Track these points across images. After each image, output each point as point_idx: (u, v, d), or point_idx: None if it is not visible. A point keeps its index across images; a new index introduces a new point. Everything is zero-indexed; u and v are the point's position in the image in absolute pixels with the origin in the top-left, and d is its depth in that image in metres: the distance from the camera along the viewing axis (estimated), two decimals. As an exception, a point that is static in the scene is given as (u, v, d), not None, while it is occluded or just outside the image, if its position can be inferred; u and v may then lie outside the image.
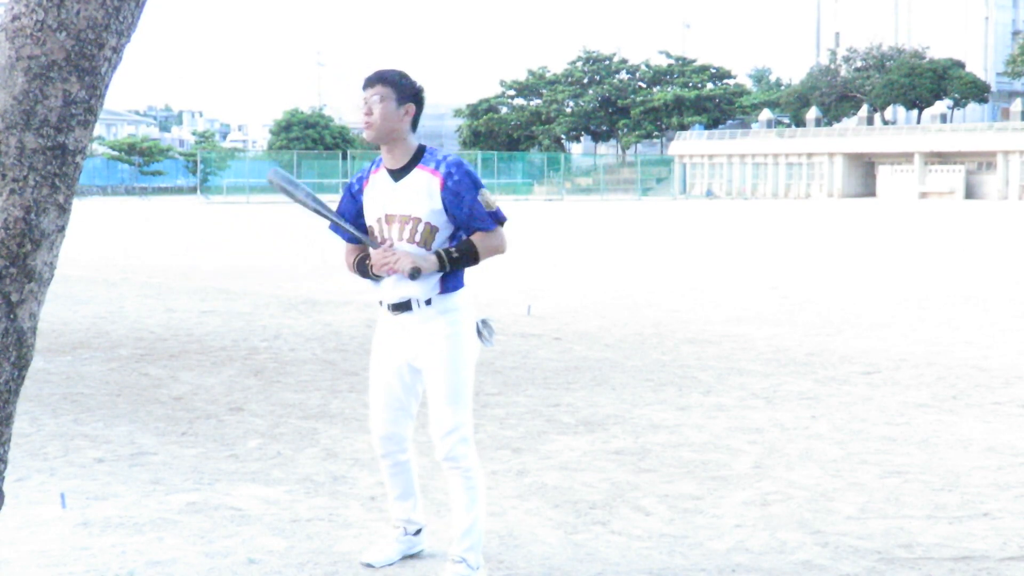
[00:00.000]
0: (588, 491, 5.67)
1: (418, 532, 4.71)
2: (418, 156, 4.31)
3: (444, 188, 4.24)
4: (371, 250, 4.35)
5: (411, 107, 4.28)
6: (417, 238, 4.28)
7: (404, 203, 4.29)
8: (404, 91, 4.26)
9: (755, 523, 5.18)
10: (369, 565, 4.57)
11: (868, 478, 5.94)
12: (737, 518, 5.25)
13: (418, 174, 4.28)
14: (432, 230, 4.28)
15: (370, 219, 4.40)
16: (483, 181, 4.50)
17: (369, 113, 4.25)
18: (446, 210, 4.26)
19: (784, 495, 5.63)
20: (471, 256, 4.26)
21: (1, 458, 3.27)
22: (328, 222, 4.42)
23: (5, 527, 4.95)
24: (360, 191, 4.43)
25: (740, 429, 7.06)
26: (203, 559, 4.65)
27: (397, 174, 4.31)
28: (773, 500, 5.54)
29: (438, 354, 4.31)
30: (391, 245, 4.30)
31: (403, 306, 4.34)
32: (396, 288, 4.33)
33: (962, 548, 4.86)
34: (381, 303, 4.43)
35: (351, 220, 4.45)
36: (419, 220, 4.28)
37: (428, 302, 4.31)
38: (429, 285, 4.31)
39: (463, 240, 4.29)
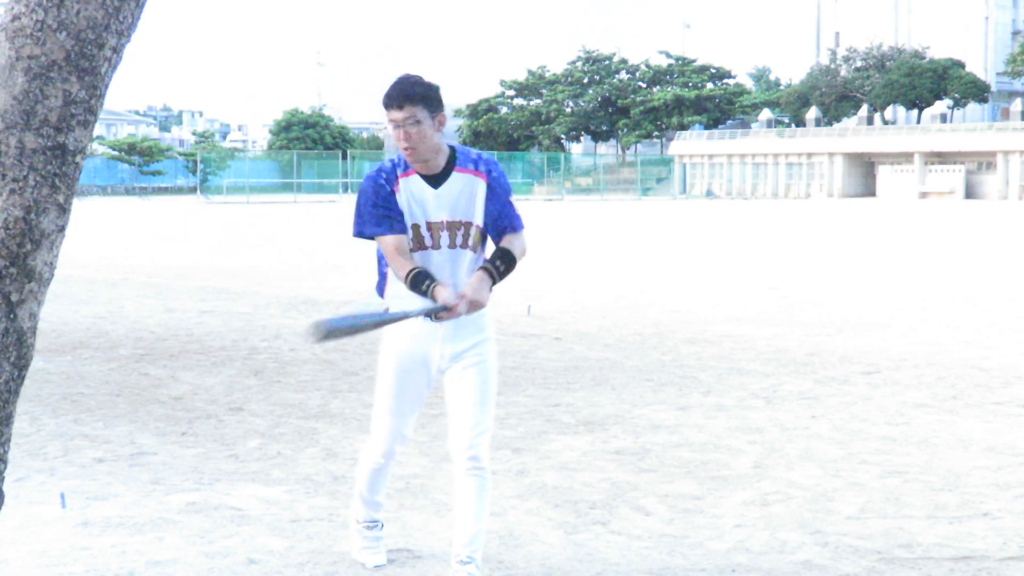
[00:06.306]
0: (588, 491, 5.67)
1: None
2: (452, 158, 4.13)
3: (488, 187, 4.13)
4: (445, 299, 3.97)
5: (442, 115, 4.09)
6: (470, 242, 4.15)
7: (451, 209, 4.11)
8: (433, 103, 4.05)
9: (755, 523, 5.18)
10: (378, 566, 4.56)
11: (868, 478, 5.94)
12: (737, 518, 5.25)
13: (458, 177, 4.12)
14: (481, 233, 4.17)
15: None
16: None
17: (408, 138, 4.00)
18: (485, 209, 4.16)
19: (784, 495, 5.63)
20: (513, 265, 4.11)
21: (1, 458, 3.27)
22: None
23: (5, 527, 4.95)
24: (392, 192, 4.11)
25: (740, 429, 7.06)
26: (203, 559, 4.65)
27: (435, 180, 4.11)
28: (773, 500, 5.54)
29: (481, 355, 4.20)
30: (463, 298, 3.97)
31: None
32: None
33: (962, 548, 4.86)
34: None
35: (399, 215, 4.12)
36: (471, 224, 4.14)
37: None
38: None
39: (499, 250, 4.12)
